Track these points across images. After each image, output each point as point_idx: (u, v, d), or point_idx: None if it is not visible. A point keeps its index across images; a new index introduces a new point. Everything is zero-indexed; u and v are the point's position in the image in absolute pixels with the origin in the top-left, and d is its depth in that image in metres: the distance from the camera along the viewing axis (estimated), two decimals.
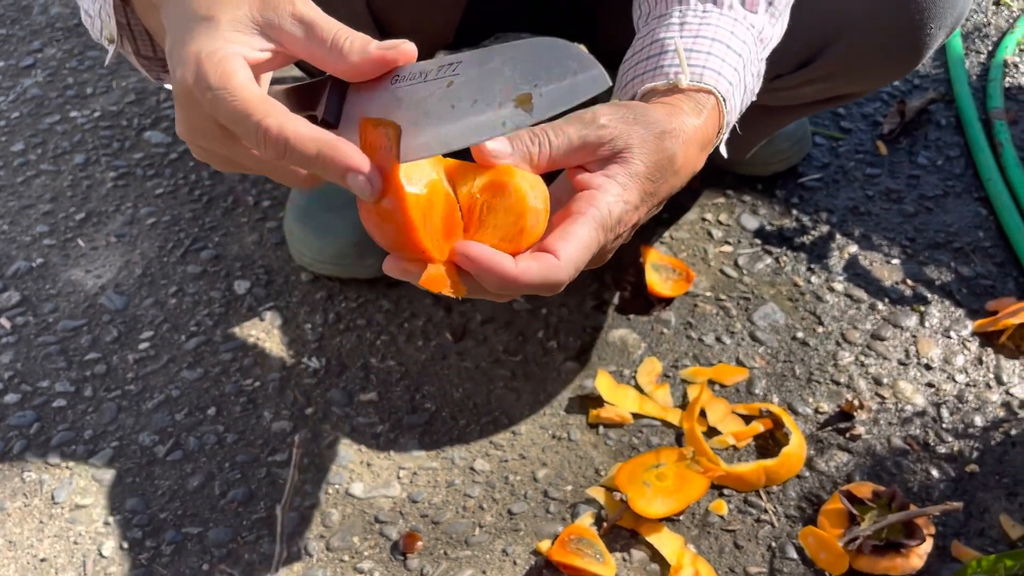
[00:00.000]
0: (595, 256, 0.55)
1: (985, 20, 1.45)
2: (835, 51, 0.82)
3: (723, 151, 0.67)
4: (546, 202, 0.53)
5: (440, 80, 0.50)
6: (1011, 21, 1.44)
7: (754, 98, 0.70)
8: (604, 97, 0.58)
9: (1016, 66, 1.36)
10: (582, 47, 0.51)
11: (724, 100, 0.62)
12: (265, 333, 1.04)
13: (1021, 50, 1.39)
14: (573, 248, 0.52)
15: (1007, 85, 1.32)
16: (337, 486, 0.90)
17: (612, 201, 0.54)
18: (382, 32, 0.88)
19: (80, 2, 0.66)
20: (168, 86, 0.67)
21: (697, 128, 0.60)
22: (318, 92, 0.53)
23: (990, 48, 1.39)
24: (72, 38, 1.49)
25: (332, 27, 0.50)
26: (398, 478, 0.91)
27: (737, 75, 0.64)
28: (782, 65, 0.86)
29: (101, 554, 0.86)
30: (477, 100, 0.49)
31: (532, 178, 0.53)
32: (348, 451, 0.93)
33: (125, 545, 0.86)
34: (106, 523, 0.88)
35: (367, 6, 0.83)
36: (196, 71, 0.48)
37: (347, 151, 0.47)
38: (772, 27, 0.68)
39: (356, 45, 0.50)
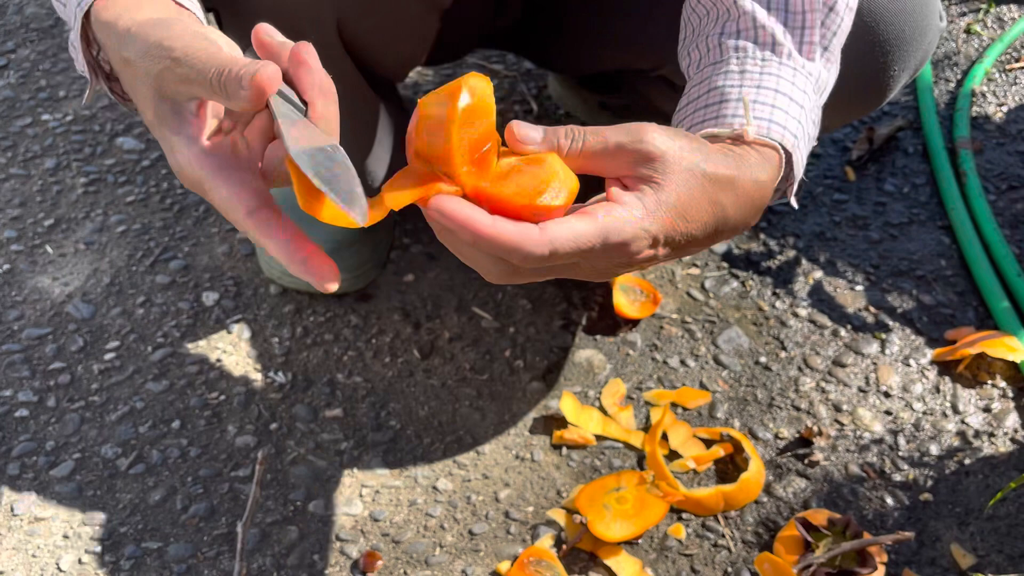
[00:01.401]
0: (584, 256, 0.52)
1: (955, 48, 1.48)
2: None
3: (794, 203, 0.66)
4: (572, 193, 0.52)
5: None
6: (980, 50, 1.47)
7: (814, 144, 0.67)
8: None
9: (984, 95, 1.38)
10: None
11: (790, 155, 0.60)
12: (232, 346, 1.04)
13: (989, 79, 1.41)
14: (560, 232, 0.49)
15: (974, 115, 1.34)
16: (299, 503, 0.90)
17: (627, 218, 0.51)
18: (354, 58, 0.88)
19: (69, 30, 0.66)
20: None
21: (761, 186, 0.57)
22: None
23: (959, 77, 1.42)
24: (46, 39, 1.48)
25: (206, 70, 0.50)
26: (360, 496, 0.91)
27: (801, 128, 0.61)
28: None
29: (59, 568, 0.86)
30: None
31: (571, 172, 0.53)
32: (311, 468, 0.93)
33: (84, 559, 0.86)
34: (65, 536, 0.88)
35: (338, 34, 0.84)
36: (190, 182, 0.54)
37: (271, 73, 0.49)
38: (828, 72, 0.66)
39: (236, 81, 0.49)
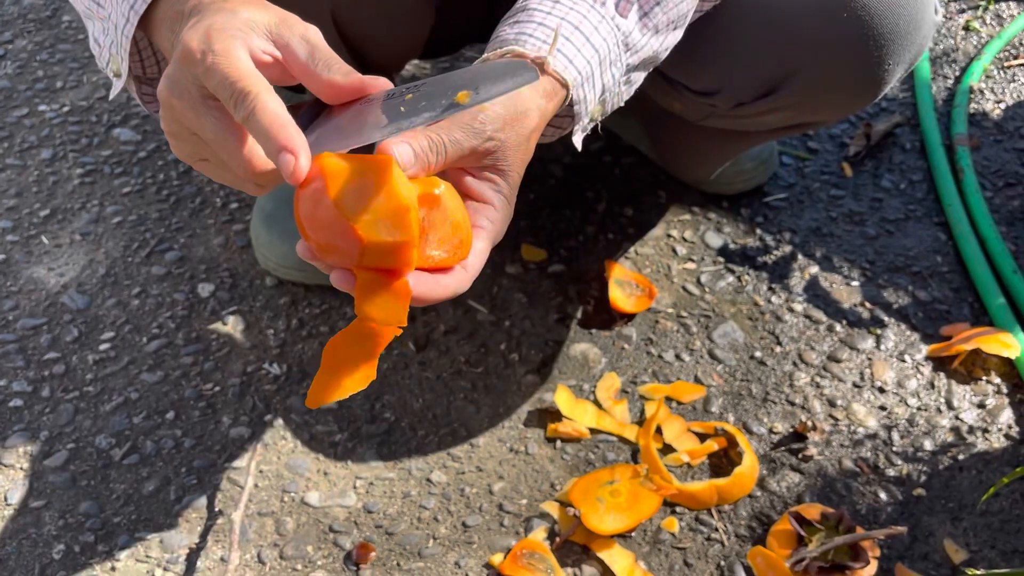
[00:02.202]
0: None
1: (953, 45, 1.48)
2: (796, 83, 0.83)
3: (577, 144, 0.69)
4: (469, 229, 0.57)
5: (398, 98, 0.54)
6: (979, 47, 1.46)
7: (622, 103, 0.71)
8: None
9: (981, 92, 1.38)
10: (531, 64, 0.54)
11: (570, 88, 0.64)
12: (227, 337, 1.04)
13: (987, 76, 1.41)
14: (477, 263, 0.59)
15: (972, 111, 1.34)
16: (293, 494, 0.90)
17: (502, 217, 0.61)
18: (350, 49, 0.88)
19: (90, 28, 0.67)
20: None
21: (546, 116, 0.63)
22: (296, 112, 0.56)
23: (957, 73, 1.42)
24: (44, 30, 1.48)
25: (330, 53, 0.56)
26: (354, 488, 0.91)
27: (589, 68, 0.65)
28: (743, 94, 0.87)
29: (53, 557, 0.86)
30: (423, 103, 0.53)
31: (460, 202, 0.56)
32: (305, 459, 0.93)
33: (77, 549, 0.86)
34: (59, 526, 0.88)
35: (333, 24, 0.84)
36: (203, 36, 0.54)
37: (290, 133, 0.51)
38: (644, 37, 0.69)
39: (344, 69, 0.55)
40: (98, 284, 1.09)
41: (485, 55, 0.64)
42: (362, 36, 0.86)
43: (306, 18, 0.81)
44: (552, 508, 0.89)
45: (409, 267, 0.53)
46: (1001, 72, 1.42)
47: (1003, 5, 1.55)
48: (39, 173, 1.23)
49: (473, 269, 0.58)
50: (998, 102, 1.36)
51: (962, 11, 1.55)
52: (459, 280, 0.57)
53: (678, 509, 0.90)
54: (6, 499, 0.89)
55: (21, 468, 0.92)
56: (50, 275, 1.10)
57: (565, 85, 0.63)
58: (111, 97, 0.68)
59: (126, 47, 0.63)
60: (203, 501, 0.90)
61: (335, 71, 0.55)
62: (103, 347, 1.03)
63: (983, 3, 1.55)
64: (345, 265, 0.53)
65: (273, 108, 0.51)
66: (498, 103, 0.59)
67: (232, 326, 1.05)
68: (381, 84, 0.55)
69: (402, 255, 0.52)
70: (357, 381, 0.55)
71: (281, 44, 0.56)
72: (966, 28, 1.51)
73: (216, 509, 0.89)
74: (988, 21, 1.52)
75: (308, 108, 0.58)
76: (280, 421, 0.96)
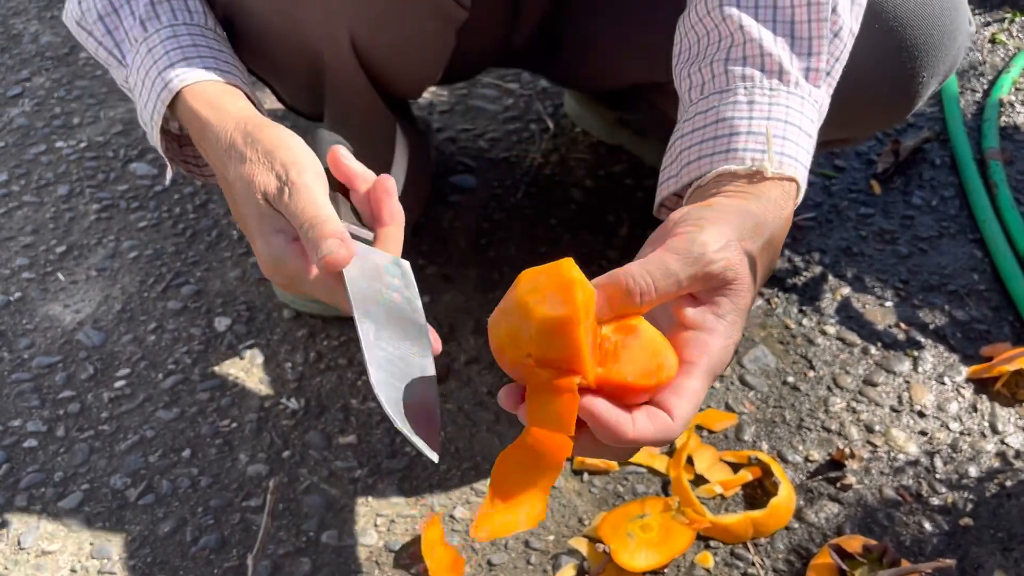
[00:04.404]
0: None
1: (980, 59, 1.44)
2: None
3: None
4: (675, 358, 0.51)
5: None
6: (1007, 60, 1.43)
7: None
8: None
9: (1012, 105, 1.34)
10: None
11: (800, 186, 0.59)
12: (244, 372, 1.02)
13: (1017, 89, 1.37)
14: (687, 405, 0.50)
15: (1003, 125, 1.31)
16: (311, 533, 0.88)
17: (722, 346, 0.52)
18: (370, 77, 0.87)
19: (137, 104, 0.74)
20: (169, 174, 0.79)
21: (786, 221, 0.58)
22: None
23: (985, 87, 1.38)
24: (61, 67, 1.48)
25: (303, 218, 0.59)
26: (375, 526, 0.88)
27: (809, 158, 0.60)
28: None
29: None
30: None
31: (660, 334, 0.52)
32: (324, 497, 0.90)
33: None
34: (73, 570, 0.85)
35: (352, 51, 0.82)
36: (272, 261, 0.63)
37: (335, 229, 0.58)
38: (828, 98, 0.64)
39: (309, 246, 0.59)
40: (114, 320, 1.08)
41: (688, 181, 0.61)
42: (382, 63, 0.85)
43: (326, 45, 0.79)
44: (580, 544, 0.86)
45: (580, 365, 0.48)
46: None
47: None
48: (56, 209, 1.22)
49: (680, 413, 0.49)
50: None
51: (987, 24, 1.52)
52: (662, 427, 0.49)
53: (712, 543, 0.86)
54: (19, 543, 0.87)
55: (35, 510, 0.90)
56: (66, 312, 1.09)
57: (794, 181, 0.59)
58: (167, 182, 0.80)
59: (157, 136, 0.72)
60: (220, 542, 0.87)
61: (313, 255, 0.58)
62: (119, 384, 1.01)
63: (1009, 15, 1.52)
64: (518, 360, 0.49)
65: (342, 240, 0.58)
66: (721, 223, 0.53)
67: (249, 360, 1.03)
68: (336, 260, 0.57)
69: (568, 335, 0.47)
70: (528, 518, 0.50)
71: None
72: (992, 41, 1.48)
73: (233, 550, 0.86)
74: (1015, 34, 1.49)
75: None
76: (298, 457, 0.94)
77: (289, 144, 0.63)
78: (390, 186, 0.63)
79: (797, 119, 0.60)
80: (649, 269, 0.50)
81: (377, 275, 0.60)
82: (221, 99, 0.68)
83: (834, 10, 0.62)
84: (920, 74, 0.77)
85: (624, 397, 0.50)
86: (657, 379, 0.50)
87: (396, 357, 0.57)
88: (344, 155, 0.64)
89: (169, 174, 0.77)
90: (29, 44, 1.53)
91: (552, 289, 0.48)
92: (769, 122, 0.59)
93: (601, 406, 0.48)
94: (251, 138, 0.63)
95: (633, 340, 0.50)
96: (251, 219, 0.63)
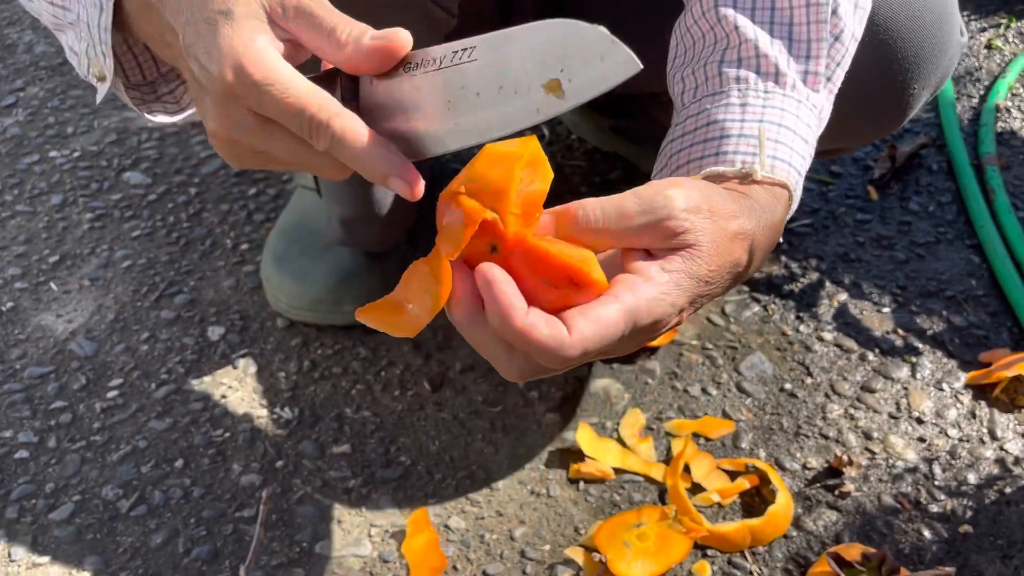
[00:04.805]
0: (613, 346, 0.48)
1: (976, 64, 1.44)
2: None
3: (780, 240, 0.63)
4: (603, 278, 0.49)
5: (455, 67, 0.50)
6: (1003, 65, 1.43)
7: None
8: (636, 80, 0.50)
9: (1008, 111, 1.34)
10: (604, 29, 0.46)
11: (792, 193, 0.58)
12: (238, 381, 1.01)
13: (1013, 94, 1.37)
14: (591, 328, 0.46)
15: (999, 130, 1.30)
16: (305, 544, 0.87)
17: (655, 298, 0.47)
18: None
19: (63, 40, 0.64)
20: (157, 120, 0.66)
21: (774, 229, 0.55)
22: (331, 83, 0.53)
23: (982, 92, 1.38)
24: (56, 77, 1.48)
25: (331, 18, 0.50)
26: (369, 536, 0.87)
27: (804, 164, 0.58)
28: None
29: None
30: (502, 87, 0.49)
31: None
32: (318, 507, 0.90)
33: None
34: None
35: None
36: (236, 66, 0.49)
37: (391, 158, 0.49)
38: (829, 104, 0.62)
39: (353, 35, 0.50)
40: (107, 330, 1.07)
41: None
42: None
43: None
44: (577, 554, 0.85)
45: (503, 201, 0.47)
46: None
47: None
48: (49, 219, 1.22)
49: (578, 334, 0.45)
50: None
51: (983, 29, 1.51)
52: (554, 335, 0.45)
53: (709, 552, 0.85)
54: (10, 556, 0.86)
55: (25, 523, 0.89)
56: (58, 322, 1.08)
57: (784, 187, 0.57)
58: (98, 101, 0.64)
59: (107, 41, 0.57)
60: (212, 553, 0.86)
61: (345, 40, 0.50)
62: (111, 394, 1.00)
63: (1005, 21, 1.52)
64: (451, 192, 0.49)
65: (356, 130, 0.49)
66: (694, 188, 0.50)
67: (243, 369, 1.02)
68: (399, 40, 0.50)
69: (505, 167, 0.47)
70: (405, 326, 0.49)
71: (282, 23, 0.51)
72: (988, 46, 1.48)
73: (225, 561, 0.85)
74: (1011, 39, 1.49)
75: (342, 88, 0.53)
76: (291, 467, 0.93)
77: None
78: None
79: (792, 123, 0.58)
80: (604, 205, 0.48)
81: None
82: None
83: (834, 12, 0.60)
84: (911, 86, 0.77)
85: (535, 276, 0.47)
86: (575, 271, 0.47)
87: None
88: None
89: (102, 91, 0.62)
90: (23, 54, 1.53)
91: (515, 140, 0.48)
92: (762, 124, 0.57)
93: (499, 274, 0.45)
94: None
95: (566, 242, 0.49)
96: (243, 29, 0.50)
